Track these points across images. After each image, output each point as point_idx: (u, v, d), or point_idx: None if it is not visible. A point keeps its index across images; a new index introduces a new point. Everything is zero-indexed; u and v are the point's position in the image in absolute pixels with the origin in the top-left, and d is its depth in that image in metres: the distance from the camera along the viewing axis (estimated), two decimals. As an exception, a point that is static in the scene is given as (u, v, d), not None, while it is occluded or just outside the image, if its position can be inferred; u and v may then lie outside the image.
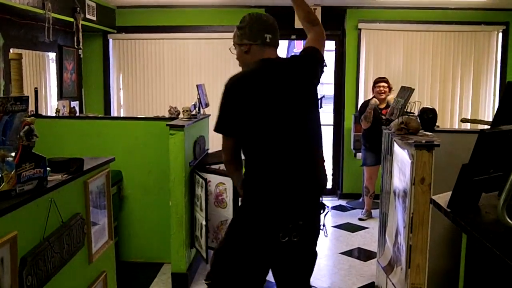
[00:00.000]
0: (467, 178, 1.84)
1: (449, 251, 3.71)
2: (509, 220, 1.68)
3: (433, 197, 2.18)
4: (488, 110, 7.39)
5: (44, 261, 2.22)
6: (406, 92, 4.35)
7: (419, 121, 3.86)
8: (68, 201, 2.57)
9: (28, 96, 2.34)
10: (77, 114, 5.66)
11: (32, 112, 4.82)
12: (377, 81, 6.28)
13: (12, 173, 2.06)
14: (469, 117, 7.14)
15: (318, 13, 7.11)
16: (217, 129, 2.67)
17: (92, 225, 2.91)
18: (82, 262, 2.78)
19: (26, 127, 2.16)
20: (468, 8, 7.12)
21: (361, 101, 7.36)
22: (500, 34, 7.28)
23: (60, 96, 6.42)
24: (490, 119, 7.00)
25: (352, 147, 7.20)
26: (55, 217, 2.40)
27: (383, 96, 6.15)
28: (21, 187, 2.12)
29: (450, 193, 1.97)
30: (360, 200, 7.19)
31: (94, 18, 6.45)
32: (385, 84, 6.19)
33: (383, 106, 6.12)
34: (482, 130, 1.79)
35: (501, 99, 2.13)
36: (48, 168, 2.35)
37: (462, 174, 1.84)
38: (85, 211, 2.81)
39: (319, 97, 2.94)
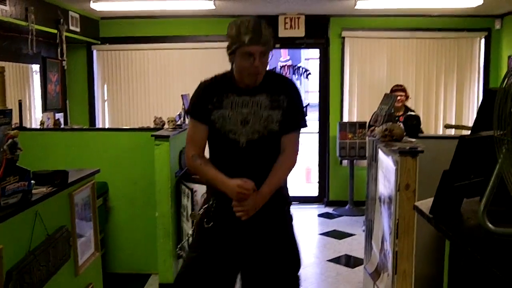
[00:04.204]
0: (448, 184, 1.86)
1: (435, 257, 3.72)
2: (489, 225, 1.70)
3: (416, 204, 2.20)
4: (472, 115, 7.43)
5: (30, 275, 2.22)
6: (390, 99, 4.38)
7: (403, 127, 3.89)
8: (53, 214, 2.57)
9: (11, 109, 2.34)
10: (62, 126, 5.66)
11: (16, 125, 4.80)
12: (394, 90, 6.03)
13: (-4, 186, 2.05)
14: (453, 123, 7.20)
15: (302, 22, 7.17)
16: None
17: (78, 237, 2.91)
18: (68, 275, 2.77)
19: (10, 141, 2.16)
20: (451, 15, 7.19)
21: (346, 108, 7.43)
22: (483, 40, 7.38)
23: (45, 108, 6.40)
24: (474, 125, 7.06)
25: (337, 155, 7.23)
26: (40, 230, 2.40)
27: (400, 104, 6.02)
28: (5, 200, 2.12)
29: (432, 199, 1.99)
30: (347, 207, 7.21)
31: (78, 30, 6.45)
32: (402, 93, 6.08)
33: (400, 113, 6.02)
34: (462, 136, 1.82)
35: (480, 105, 2.15)
36: (32, 181, 2.34)
37: (443, 180, 1.86)
38: (71, 223, 2.81)
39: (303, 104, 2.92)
